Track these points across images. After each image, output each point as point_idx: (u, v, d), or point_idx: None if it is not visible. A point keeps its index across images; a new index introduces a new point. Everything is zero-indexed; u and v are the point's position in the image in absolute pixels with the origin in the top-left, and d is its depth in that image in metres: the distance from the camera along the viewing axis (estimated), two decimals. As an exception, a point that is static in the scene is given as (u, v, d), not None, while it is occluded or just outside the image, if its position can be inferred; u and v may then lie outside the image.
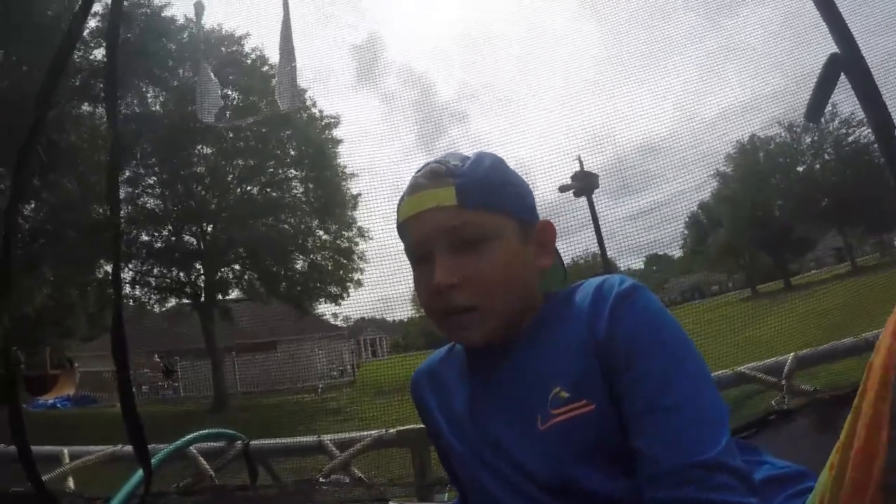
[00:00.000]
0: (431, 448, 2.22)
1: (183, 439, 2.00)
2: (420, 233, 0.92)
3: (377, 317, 27.18)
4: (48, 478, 1.97)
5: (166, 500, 1.89)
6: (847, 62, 1.48)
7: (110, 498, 1.65)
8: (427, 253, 0.91)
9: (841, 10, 1.54)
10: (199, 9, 2.74)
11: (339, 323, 21.83)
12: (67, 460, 2.18)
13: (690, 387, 0.77)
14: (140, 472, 1.65)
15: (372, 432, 2.15)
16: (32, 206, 14.22)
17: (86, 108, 13.62)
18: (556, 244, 1.02)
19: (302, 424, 12.12)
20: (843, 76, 1.49)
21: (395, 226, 0.99)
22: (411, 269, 0.99)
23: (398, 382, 12.01)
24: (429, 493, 2.02)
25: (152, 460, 1.72)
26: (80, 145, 12.68)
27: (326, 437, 2.19)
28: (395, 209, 1.00)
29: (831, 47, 1.52)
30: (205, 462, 2.08)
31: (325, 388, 17.43)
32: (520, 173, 1.00)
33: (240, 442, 2.21)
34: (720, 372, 1.94)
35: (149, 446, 1.90)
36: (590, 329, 0.83)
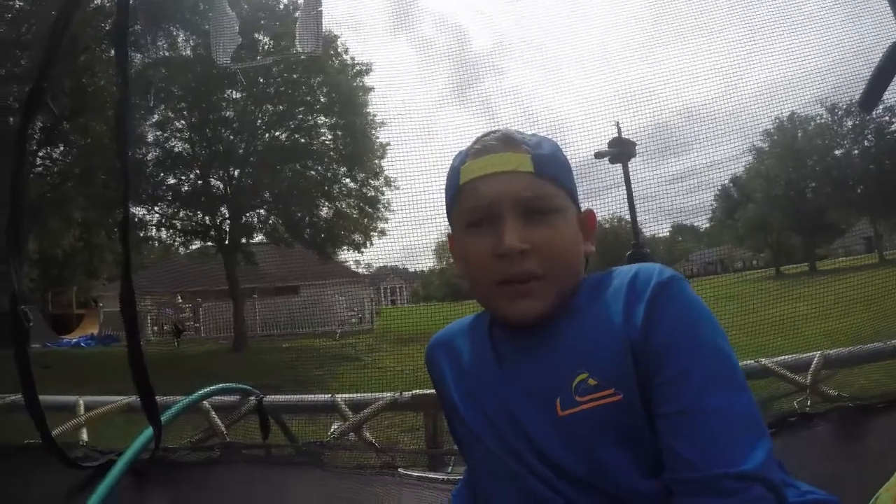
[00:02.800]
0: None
1: (195, 394, 2.00)
2: (491, 194, 0.89)
3: (399, 266, 27.44)
4: (62, 430, 1.98)
5: (177, 455, 1.90)
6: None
7: (122, 452, 1.67)
8: (491, 216, 0.89)
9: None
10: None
11: (360, 270, 21.98)
12: (83, 411, 2.18)
13: (731, 390, 0.75)
14: (150, 429, 1.67)
15: (386, 395, 2.14)
16: (62, 148, 14.39)
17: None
18: (585, 203, 1.01)
19: (319, 369, 12.28)
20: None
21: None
22: (458, 233, 0.96)
23: (416, 332, 12.09)
24: (439, 462, 2.03)
25: (164, 416, 1.75)
26: (110, 89, 12.73)
27: (340, 397, 2.18)
28: (450, 171, 0.98)
29: (885, 29, 1.45)
30: (216, 417, 2.07)
31: (343, 333, 17.58)
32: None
33: (253, 397, 2.20)
34: (745, 363, 1.90)
35: (164, 397, 1.94)
36: (626, 319, 0.81)
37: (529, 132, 0.97)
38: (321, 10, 2.22)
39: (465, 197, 0.93)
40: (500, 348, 0.95)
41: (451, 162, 1.00)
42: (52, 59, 1.64)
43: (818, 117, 21.91)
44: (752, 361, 1.88)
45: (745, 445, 0.71)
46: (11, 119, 12.74)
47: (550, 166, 0.91)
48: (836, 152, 22.64)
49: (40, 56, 1.64)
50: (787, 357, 1.88)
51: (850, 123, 21.55)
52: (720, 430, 0.72)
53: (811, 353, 1.85)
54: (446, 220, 1.02)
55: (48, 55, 1.64)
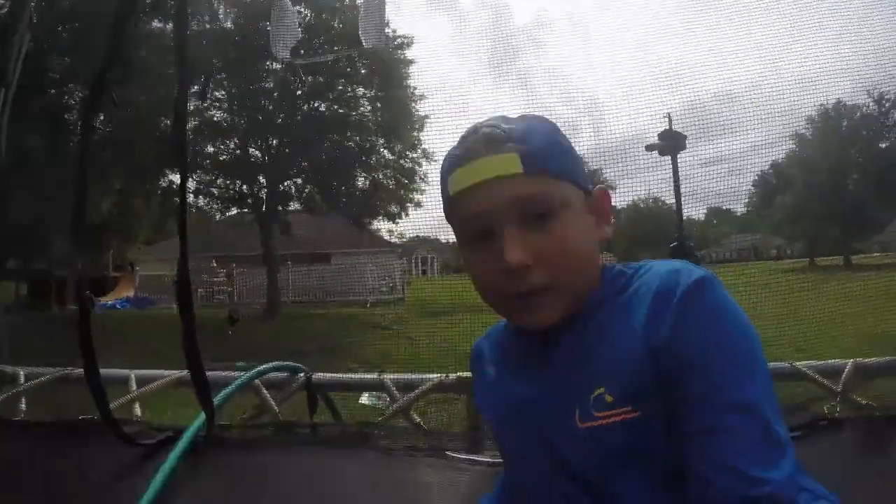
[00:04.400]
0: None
1: (244, 376, 2.04)
2: (481, 206, 0.84)
3: (431, 236, 27.37)
4: (117, 405, 2.00)
5: (231, 433, 1.98)
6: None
7: (177, 429, 1.79)
8: (487, 229, 0.84)
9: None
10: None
11: (393, 239, 22.10)
12: (135, 385, 2.22)
13: (759, 406, 0.71)
14: (202, 415, 1.77)
15: (433, 376, 2.14)
16: (102, 117, 14.66)
17: (156, 24, 13.85)
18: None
19: (348, 337, 12.43)
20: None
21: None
22: (459, 242, 0.91)
23: (446, 303, 12.11)
24: (481, 445, 2.09)
25: (217, 397, 1.84)
26: (151, 60, 12.93)
27: (388, 378, 2.23)
28: (441, 173, 0.91)
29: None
30: (268, 395, 2.14)
31: (373, 302, 17.75)
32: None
33: (301, 374, 2.27)
34: (775, 364, 1.93)
35: (213, 374, 2.02)
36: (649, 328, 0.77)
37: (519, 114, 0.91)
38: (384, 1, 2.22)
39: (457, 209, 0.89)
40: (522, 354, 0.94)
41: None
42: (113, 57, 1.70)
43: (864, 107, 21.30)
44: (786, 364, 1.92)
45: (769, 463, 0.69)
46: (53, 90, 13.01)
47: (543, 160, 0.84)
48: (881, 144, 22.00)
49: (103, 51, 1.69)
50: (818, 362, 1.91)
51: (896, 116, 20.96)
52: (744, 450, 0.70)
53: (844, 361, 1.88)
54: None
55: (111, 51, 1.69)
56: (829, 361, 1.92)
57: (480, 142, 0.84)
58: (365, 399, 2.35)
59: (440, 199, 0.93)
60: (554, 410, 0.84)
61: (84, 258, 1.67)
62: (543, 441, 0.85)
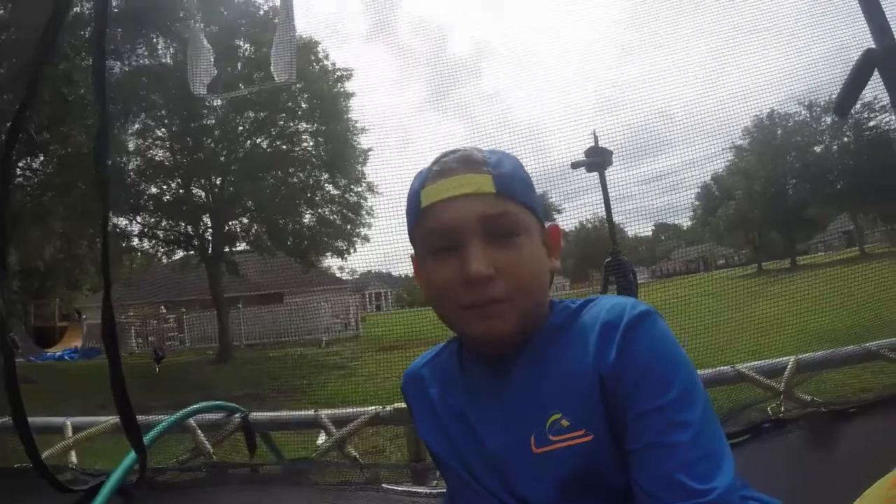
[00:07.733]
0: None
1: (177, 414, 1.99)
2: (453, 219, 0.87)
3: (382, 271, 27.50)
4: (51, 452, 1.97)
5: (164, 476, 1.90)
6: (883, 59, 1.44)
7: (111, 474, 1.68)
8: (455, 241, 0.87)
9: (883, 6, 1.49)
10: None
11: (344, 276, 22.03)
12: (70, 433, 2.17)
13: (698, 423, 0.76)
14: (131, 455, 1.68)
15: (369, 409, 2.15)
16: (41, 158, 14.30)
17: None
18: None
19: (304, 378, 12.25)
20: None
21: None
22: (421, 257, 0.94)
23: (402, 337, 12.08)
24: (422, 476, 2.03)
25: (147, 436, 1.75)
26: (90, 98, 12.64)
27: (323, 413, 2.19)
28: (410, 193, 0.95)
29: (859, 30, 1.49)
30: (203, 436, 2.06)
31: (329, 341, 17.53)
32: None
33: (238, 415, 2.20)
34: (720, 368, 1.92)
35: (148, 417, 1.95)
36: (597, 356, 0.82)
37: (489, 148, 0.95)
38: (294, 36, 2.21)
39: (426, 221, 0.91)
40: (471, 381, 0.96)
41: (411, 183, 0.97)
42: (34, 93, 1.64)
43: (797, 115, 22.43)
44: (728, 367, 1.90)
45: (709, 476, 0.72)
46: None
47: (512, 185, 0.89)
48: (816, 149, 23.07)
49: (24, 85, 1.64)
50: (761, 362, 1.90)
51: (828, 120, 21.96)
52: (684, 463, 0.73)
53: (785, 358, 1.87)
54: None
55: (31, 86, 1.64)
56: (771, 360, 1.91)
57: (458, 161, 0.90)
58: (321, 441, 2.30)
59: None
60: (508, 438, 0.86)
61: (8, 291, 1.57)
62: (495, 469, 0.87)
